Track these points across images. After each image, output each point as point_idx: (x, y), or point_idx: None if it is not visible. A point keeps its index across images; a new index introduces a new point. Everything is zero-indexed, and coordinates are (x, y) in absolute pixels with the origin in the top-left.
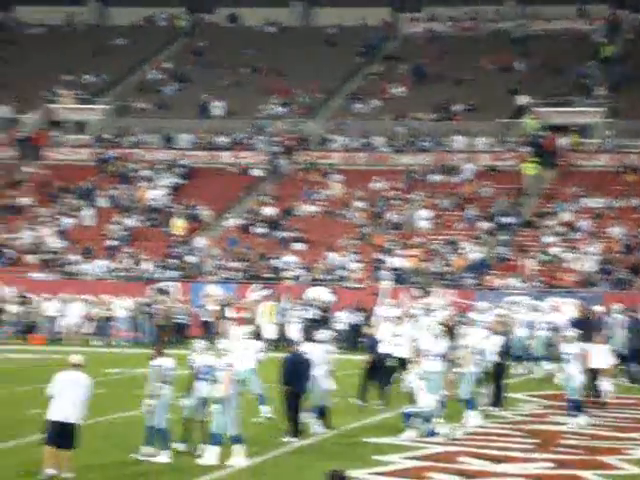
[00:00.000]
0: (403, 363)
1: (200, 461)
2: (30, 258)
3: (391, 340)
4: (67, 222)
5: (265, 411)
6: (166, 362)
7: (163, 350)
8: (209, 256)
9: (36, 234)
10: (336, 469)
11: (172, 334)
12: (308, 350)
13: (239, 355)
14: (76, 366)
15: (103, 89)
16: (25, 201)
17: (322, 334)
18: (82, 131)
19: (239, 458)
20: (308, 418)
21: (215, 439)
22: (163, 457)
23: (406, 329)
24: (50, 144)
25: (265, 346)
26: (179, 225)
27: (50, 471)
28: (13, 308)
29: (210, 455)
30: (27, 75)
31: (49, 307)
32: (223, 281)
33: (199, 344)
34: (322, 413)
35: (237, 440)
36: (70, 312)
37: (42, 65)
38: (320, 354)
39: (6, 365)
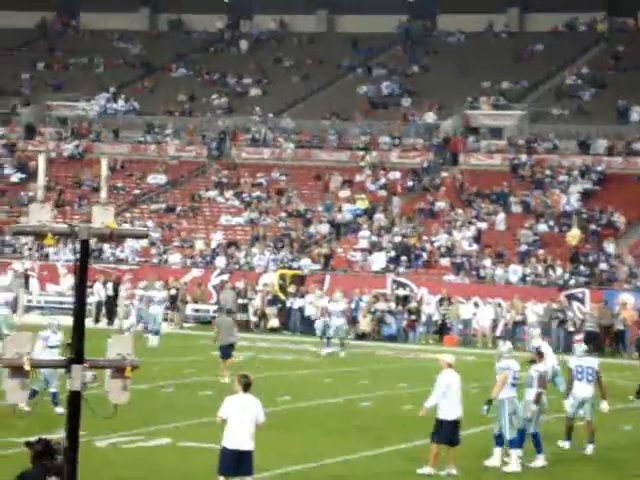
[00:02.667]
0: None
1: (486, 462)
2: (444, 261)
3: None
4: (481, 226)
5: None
6: (540, 367)
7: (542, 354)
8: (623, 263)
9: (451, 237)
10: None
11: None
12: None
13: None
14: (450, 366)
15: (520, 95)
16: (441, 205)
17: None
18: (497, 137)
19: (513, 465)
20: None
21: (497, 441)
22: (539, 461)
23: None
24: (466, 149)
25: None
26: (575, 235)
27: (428, 470)
28: (429, 309)
29: (495, 456)
30: (447, 82)
31: (463, 309)
32: (637, 289)
33: (504, 346)
34: None
35: (511, 444)
36: (483, 315)
37: (462, 72)
38: None
39: (421, 364)
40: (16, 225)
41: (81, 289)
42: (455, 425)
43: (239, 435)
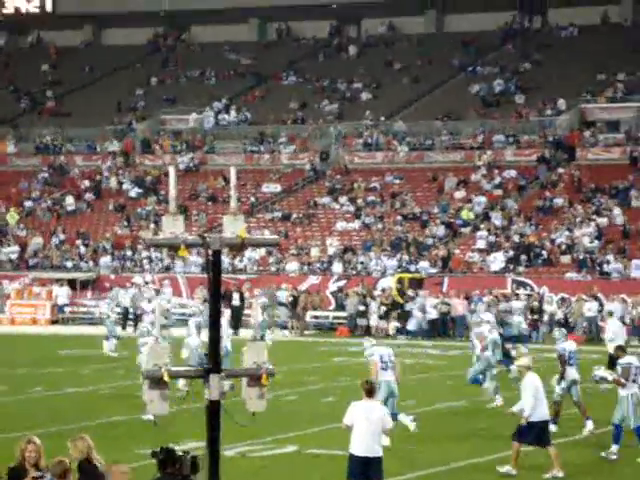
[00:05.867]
0: None
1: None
2: (564, 258)
3: None
4: (601, 222)
5: None
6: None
7: (625, 348)
8: None
9: (571, 234)
10: None
11: None
12: None
13: None
14: (529, 368)
15: (637, 87)
16: (559, 202)
17: None
18: (614, 130)
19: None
20: None
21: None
22: None
23: None
24: (583, 144)
25: None
26: None
27: (506, 469)
28: (551, 308)
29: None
30: (561, 77)
31: (587, 307)
32: None
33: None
34: None
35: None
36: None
37: (575, 66)
38: None
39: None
40: (150, 238)
41: (215, 300)
42: (545, 425)
43: (366, 441)
